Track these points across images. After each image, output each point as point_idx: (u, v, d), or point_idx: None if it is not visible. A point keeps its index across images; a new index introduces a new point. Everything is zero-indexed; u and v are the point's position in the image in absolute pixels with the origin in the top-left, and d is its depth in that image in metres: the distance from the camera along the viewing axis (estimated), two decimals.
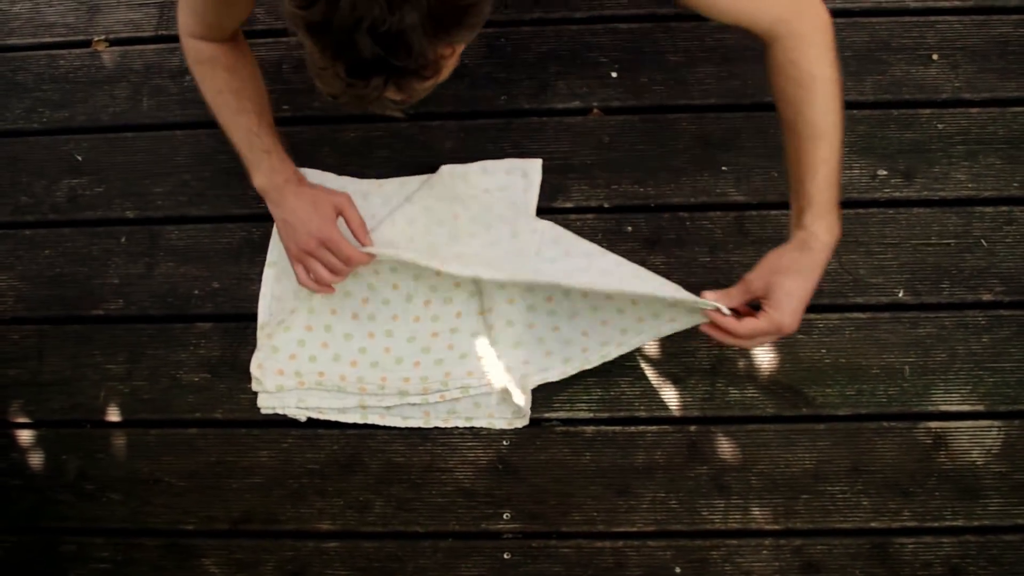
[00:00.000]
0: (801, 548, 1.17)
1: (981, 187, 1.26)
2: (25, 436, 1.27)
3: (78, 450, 1.26)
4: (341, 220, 1.14)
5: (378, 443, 1.23)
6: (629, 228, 1.27)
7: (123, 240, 1.32)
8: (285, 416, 1.23)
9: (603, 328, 1.17)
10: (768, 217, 1.26)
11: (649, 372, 1.22)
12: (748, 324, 0.98)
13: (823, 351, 1.20)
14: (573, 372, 1.19)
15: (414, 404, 1.22)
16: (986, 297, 1.22)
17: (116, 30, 1.41)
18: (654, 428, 1.21)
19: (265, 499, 1.23)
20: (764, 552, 1.17)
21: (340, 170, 1.31)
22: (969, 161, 1.26)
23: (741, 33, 1.01)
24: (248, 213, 1.30)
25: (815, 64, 0.97)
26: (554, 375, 1.20)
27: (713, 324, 1.02)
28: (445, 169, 1.28)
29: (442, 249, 1.21)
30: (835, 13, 1.30)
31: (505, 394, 1.21)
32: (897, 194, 1.26)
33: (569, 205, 1.28)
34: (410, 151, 1.31)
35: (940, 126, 1.28)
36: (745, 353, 1.21)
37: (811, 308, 1.20)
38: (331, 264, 1.12)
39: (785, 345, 1.21)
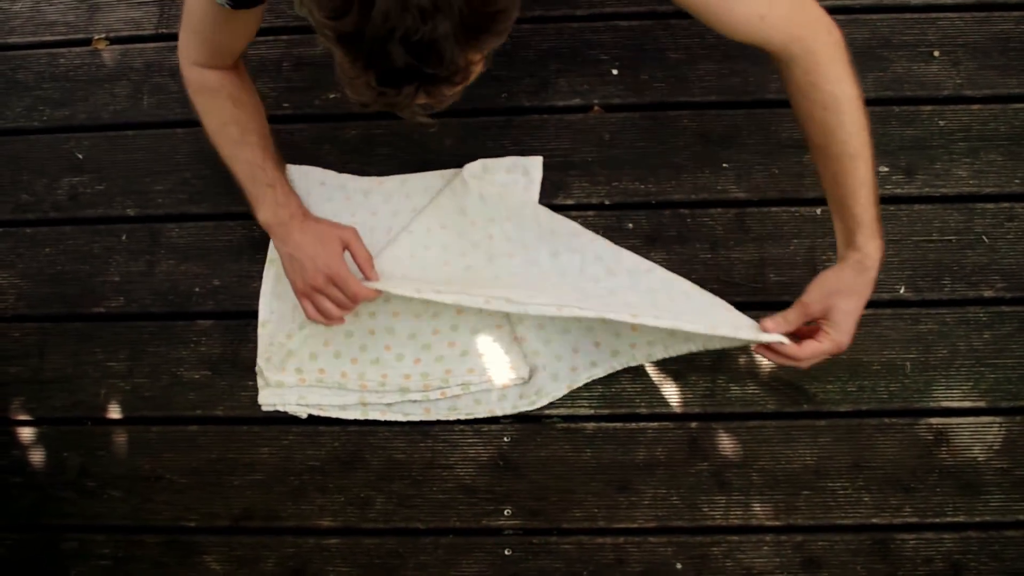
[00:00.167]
0: (802, 544, 1.17)
1: (982, 183, 1.25)
2: (26, 433, 1.28)
3: (79, 447, 1.26)
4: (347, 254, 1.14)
5: (379, 440, 1.23)
6: (630, 225, 1.27)
7: (124, 238, 1.32)
8: (286, 413, 1.23)
9: (652, 329, 1.16)
10: (769, 214, 1.26)
11: (650, 368, 1.22)
12: (810, 348, 1.00)
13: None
14: (620, 367, 1.20)
15: (415, 401, 1.22)
16: (987, 293, 1.22)
17: (116, 28, 1.41)
18: (655, 424, 1.21)
19: (266, 496, 1.23)
20: (765, 548, 1.17)
21: (341, 168, 1.31)
22: (970, 157, 1.26)
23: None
24: (249, 211, 1.29)
25: (837, 84, 0.97)
26: (600, 371, 1.21)
27: (770, 348, 1.04)
28: (448, 174, 1.29)
29: (480, 271, 1.21)
30: (836, 10, 1.31)
31: (505, 391, 1.21)
32: (898, 190, 1.26)
33: (570, 202, 1.28)
34: (411, 148, 1.31)
35: (941, 123, 1.28)
36: (745, 349, 1.21)
37: None
38: (338, 300, 1.13)
39: None
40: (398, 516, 1.21)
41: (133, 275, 1.31)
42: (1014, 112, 1.27)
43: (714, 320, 1.08)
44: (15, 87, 1.40)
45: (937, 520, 1.16)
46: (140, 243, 1.32)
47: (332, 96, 1.35)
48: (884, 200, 1.23)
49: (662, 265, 1.23)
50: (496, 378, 1.20)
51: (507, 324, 1.22)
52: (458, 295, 1.11)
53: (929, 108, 1.28)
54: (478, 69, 0.80)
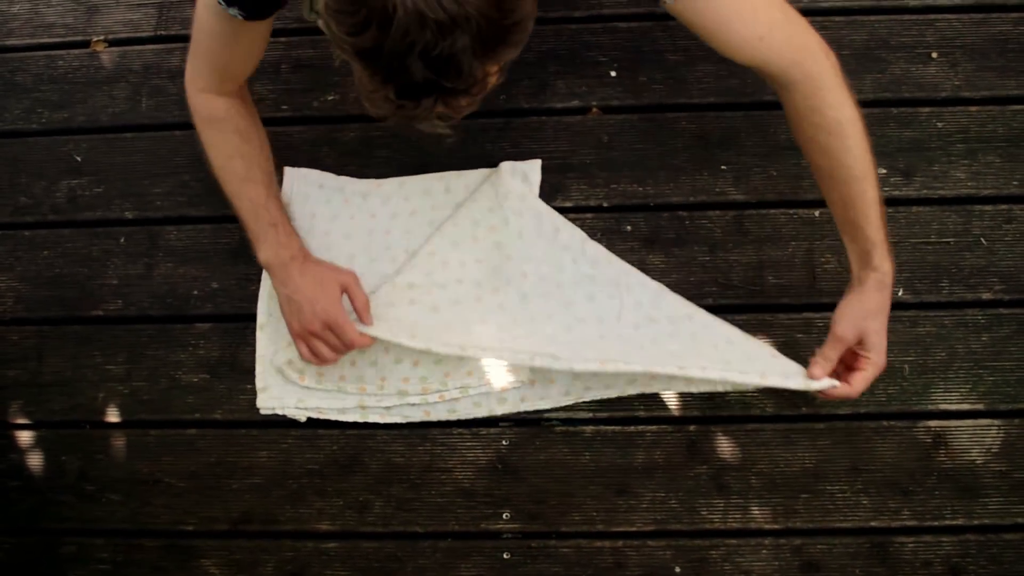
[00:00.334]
0: (801, 547, 1.17)
1: (980, 185, 1.25)
2: (25, 437, 1.28)
3: (78, 451, 1.26)
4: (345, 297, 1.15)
5: (377, 443, 1.23)
6: (628, 227, 1.27)
7: (122, 241, 1.32)
8: (284, 417, 1.23)
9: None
10: (767, 216, 1.25)
11: None
12: (861, 382, 1.04)
13: None
14: (635, 392, 1.21)
15: (414, 404, 1.22)
16: (985, 295, 1.22)
17: (115, 30, 1.41)
18: (653, 428, 1.21)
19: (265, 499, 1.23)
20: (764, 551, 1.17)
21: (339, 170, 1.31)
22: (968, 159, 1.26)
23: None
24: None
25: (839, 109, 0.98)
26: (614, 393, 1.21)
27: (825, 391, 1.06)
28: (447, 176, 1.29)
29: (514, 311, 1.20)
30: (835, 11, 1.32)
31: (504, 393, 1.21)
32: (896, 192, 1.26)
33: (568, 204, 1.28)
34: (409, 151, 1.31)
35: (939, 124, 1.28)
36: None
37: (810, 307, 1.22)
38: (333, 345, 1.14)
39: (784, 344, 1.21)
40: (397, 520, 1.21)
41: (131, 278, 1.31)
42: (1012, 114, 1.27)
43: (763, 369, 1.09)
44: (13, 89, 1.39)
45: (936, 523, 1.17)
46: (138, 246, 1.32)
47: (330, 98, 1.34)
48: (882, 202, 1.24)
49: (660, 268, 1.24)
50: (495, 381, 1.20)
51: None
52: (500, 350, 1.14)
53: (927, 110, 1.28)
54: (495, 80, 0.80)
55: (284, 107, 1.35)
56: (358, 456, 1.23)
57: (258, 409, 1.24)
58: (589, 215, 1.27)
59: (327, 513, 1.22)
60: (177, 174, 1.33)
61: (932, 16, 1.31)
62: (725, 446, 1.19)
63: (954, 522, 1.16)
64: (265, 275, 1.27)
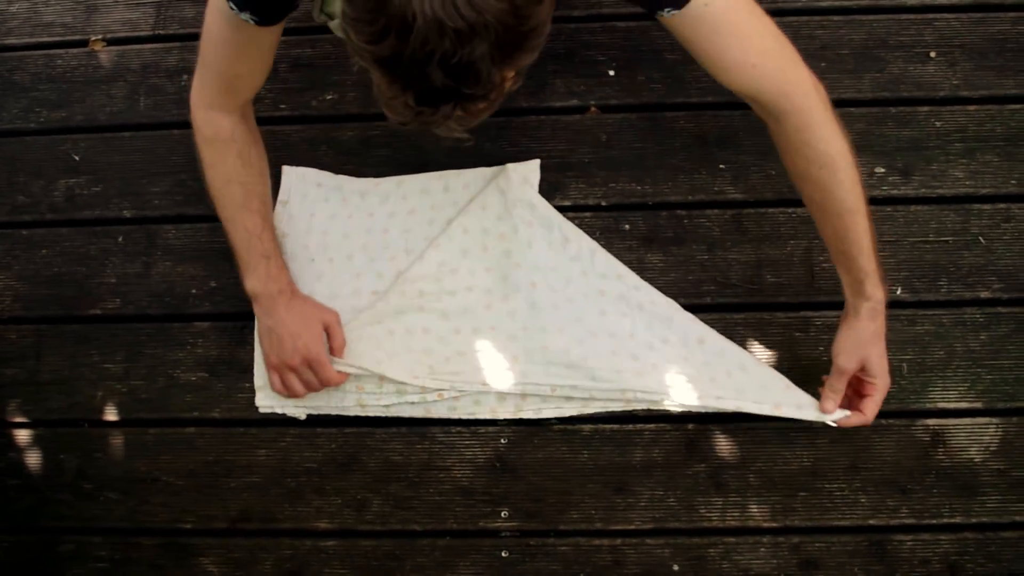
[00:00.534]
0: (799, 546, 1.17)
1: (979, 184, 1.26)
2: (23, 436, 1.27)
3: (76, 449, 1.26)
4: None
5: (376, 442, 1.23)
6: (627, 226, 1.27)
7: (120, 239, 1.32)
8: (283, 415, 1.23)
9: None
10: (765, 215, 1.25)
11: None
12: (872, 408, 1.08)
13: (820, 348, 1.20)
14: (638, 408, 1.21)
15: (413, 403, 1.22)
16: (984, 294, 1.22)
17: (113, 30, 1.41)
18: (652, 426, 1.21)
19: (263, 498, 1.23)
20: (762, 550, 1.17)
21: (337, 169, 1.31)
22: (967, 158, 1.26)
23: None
24: None
25: (829, 143, 1.00)
26: (617, 407, 1.21)
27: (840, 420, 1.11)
28: (446, 175, 1.29)
29: (524, 318, 1.21)
30: (834, 11, 1.32)
31: (505, 394, 1.20)
32: (895, 191, 1.26)
33: (567, 203, 1.28)
34: (408, 150, 1.31)
35: (938, 123, 1.28)
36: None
37: (809, 305, 1.22)
38: (309, 382, 1.16)
39: (783, 343, 1.21)
40: (395, 518, 1.21)
41: (130, 277, 1.31)
42: (1010, 113, 1.27)
43: (777, 400, 1.14)
44: (11, 88, 1.39)
45: (934, 521, 1.17)
46: (137, 245, 1.32)
47: (329, 97, 1.34)
48: (880, 201, 1.25)
49: (659, 267, 1.24)
50: (494, 383, 1.20)
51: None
52: (519, 386, 1.19)
53: (926, 109, 1.28)
54: (512, 84, 0.81)
55: (282, 106, 1.35)
56: (356, 454, 1.23)
57: (256, 407, 1.24)
58: (587, 214, 1.27)
59: (325, 511, 1.22)
60: (175, 173, 1.33)
61: (930, 15, 1.31)
62: (723, 444, 1.19)
63: (952, 520, 1.17)
64: None
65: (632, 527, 1.19)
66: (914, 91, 1.29)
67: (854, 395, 1.10)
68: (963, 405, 1.19)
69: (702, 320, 1.21)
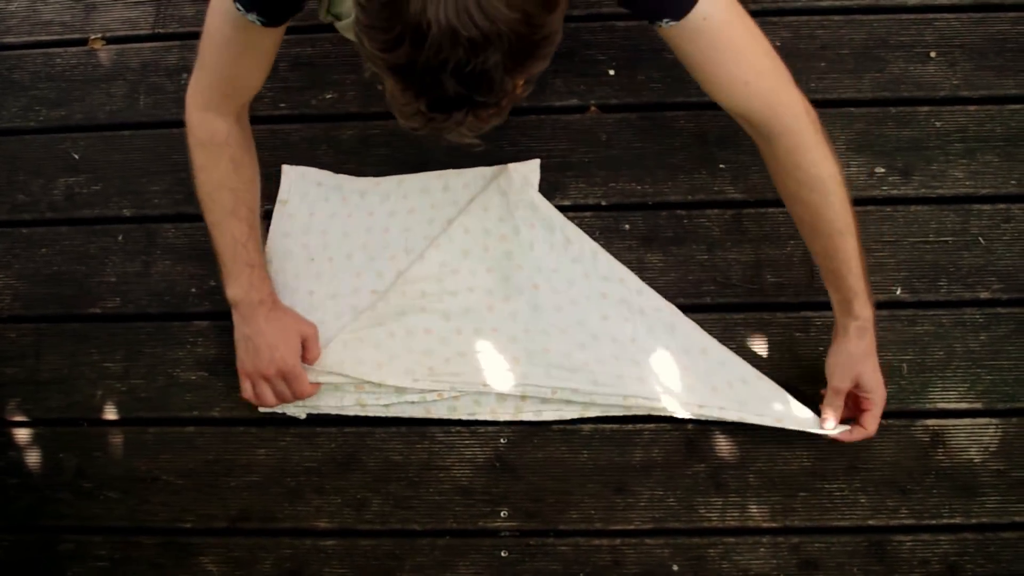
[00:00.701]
0: (799, 546, 1.17)
1: (979, 185, 1.25)
2: (22, 435, 1.27)
3: (76, 448, 1.26)
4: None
5: (376, 441, 1.23)
6: (626, 226, 1.27)
7: (120, 238, 1.32)
8: (283, 414, 1.23)
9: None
10: (766, 215, 1.25)
11: None
12: (872, 422, 1.10)
13: (820, 348, 1.19)
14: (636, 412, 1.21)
15: (413, 403, 1.22)
16: (984, 295, 1.22)
17: (112, 28, 1.41)
18: (651, 426, 1.21)
19: (263, 497, 1.23)
20: (762, 550, 1.17)
21: (337, 168, 1.31)
22: (967, 159, 1.26)
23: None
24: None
25: (820, 166, 1.02)
26: (617, 412, 1.21)
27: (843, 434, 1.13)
28: (446, 175, 1.29)
29: (525, 320, 1.21)
30: (833, 11, 1.32)
31: (505, 396, 1.20)
32: (895, 191, 1.26)
33: (567, 203, 1.28)
34: (408, 149, 1.31)
35: (938, 123, 1.28)
36: (741, 351, 1.21)
37: (808, 305, 1.22)
38: (281, 394, 1.17)
39: (782, 343, 1.21)
40: (395, 517, 1.21)
41: (129, 276, 1.31)
42: (1010, 113, 1.27)
43: (778, 413, 1.15)
44: (11, 87, 1.39)
45: (933, 522, 1.17)
46: (136, 244, 1.32)
47: (328, 96, 1.34)
48: (880, 201, 1.25)
49: (658, 267, 1.24)
50: (495, 384, 1.20)
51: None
52: (519, 388, 1.19)
53: (926, 109, 1.28)
54: (523, 91, 0.81)
55: (282, 105, 1.35)
56: (356, 454, 1.23)
57: (256, 407, 1.23)
58: (587, 214, 1.27)
59: (325, 511, 1.22)
60: (175, 172, 1.33)
61: (931, 15, 1.31)
62: (723, 444, 1.19)
63: (952, 521, 1.17)
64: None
65: (632, 527, 1.19)
66: (914, 91, 1.29)
67: (854, 409, 1.12)
68: (963, 406, 1.19)
69: (702, 320, 1.21)
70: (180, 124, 1.31)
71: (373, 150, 1.32)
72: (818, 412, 1.13)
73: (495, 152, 1.29)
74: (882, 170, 1.26)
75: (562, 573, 1.18)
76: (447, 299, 1.22)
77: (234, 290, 1.15)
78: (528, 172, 1.27)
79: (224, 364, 1.26)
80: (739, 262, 1.25)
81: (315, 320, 1.24)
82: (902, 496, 1.17)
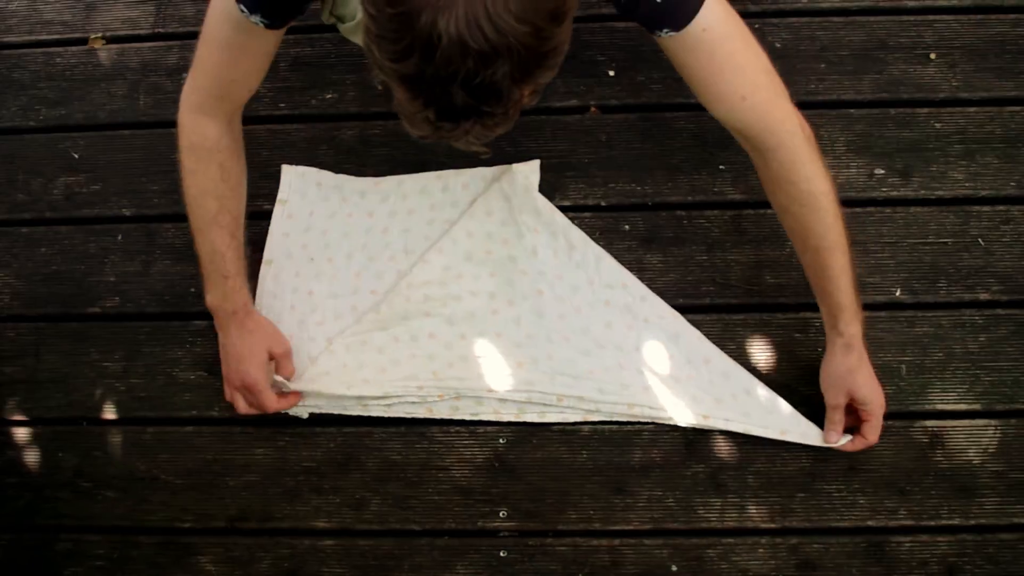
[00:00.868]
0: (797, 546, 1.17)
1: (978, 186, 1.26)
2: (21, 434, 1.27)
3: (74, 448, 1.26)
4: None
5: (375, 441, 1.23)
6: (626, 227, 1.27)
7: (120, 238, 1.32)
8: (284, 414, 1.23)
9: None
10: (765, 216, 1.25)
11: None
12: (872, 433, 1.11)
13: (820, 350, 1.19)
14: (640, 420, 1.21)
15: (414, 403, 1.22)
16: (983, 296, 1.22)
17: (113, 28, 1.41)
18: (651, 427, 1.20)
19: (261, 497, 1.23)
20: (760, 550, 1.17)
21: (337, 168, 1.31)
22: (966, 160, 1.26)
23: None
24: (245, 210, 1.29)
25: (812, 182, 1.03)
26: (621, 418, 1.21)
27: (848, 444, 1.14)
28: (445, 175, 1.29)
29: (529, 325, 1.21)
30: (833, 12, 1.32)
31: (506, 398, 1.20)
32: (894, 193, 1.26)
33: (567, 203, 1.28)
34: (407, 149, 1.31)
35: (937, 125, 1.28)
36: (740, 352, 1.21)
37: (808, 306, 1.22)
38: (251, 404, 1.18)
39: (782, 344, 1.21)
40: (394, 517, 1.21)
41: (129, 275, 1.31)
42: (1010, 115, 1.27)
43: (782, 426, 1.16)
44: (11, 86, 1.39)
45: (932, 523, 1.17)
46: (136, 243, 1.32)
47: (328, 96, 1.34)
48: (880, 202, 1.25)
49: (658, 268, 1.24)
50: (498, 388, 1.20)
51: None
52: (522, 393, 1.19)
53: (925, 110, 1.28)
54: (530, 100, 0.81)
55: (282, 105, 1.35)
56: (355, 454, 1.23)
57: None
58: (587, 214, 1.27)
59: (324, 511, 1.22)
60: (175, 172, 1.31)
61: (930, 17, 1.31)
62: (722, 445, 1.19)
63: (950, 522, 1.16)
64: (262, 273, 1.27)
65: (631, 527, 1.19)
66: (914, 93, 1.29)
67: (855, 419, 1.13)
68: (962, 407, 1.19)
69: (702, 320, 1.21)
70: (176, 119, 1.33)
71: (373, 150, 1.32)
72: (820, 414, 1.13)
73: (495, 152, 1.28)
74: (882, 171, 1.26)
75: (561, 573, 1.18)
76: (451, 303, 1.22)
77: (210, 298, 1.17)
78: (528, 173, 1.27)
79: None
80: (738, 263, 1.25)
81: (315, 320, 1.24)
82: (901, 497, 1.17)
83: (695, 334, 1.21)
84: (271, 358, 1.19)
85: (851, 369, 1.09)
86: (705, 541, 1.18)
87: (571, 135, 1.30)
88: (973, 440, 1.18)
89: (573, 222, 1.25)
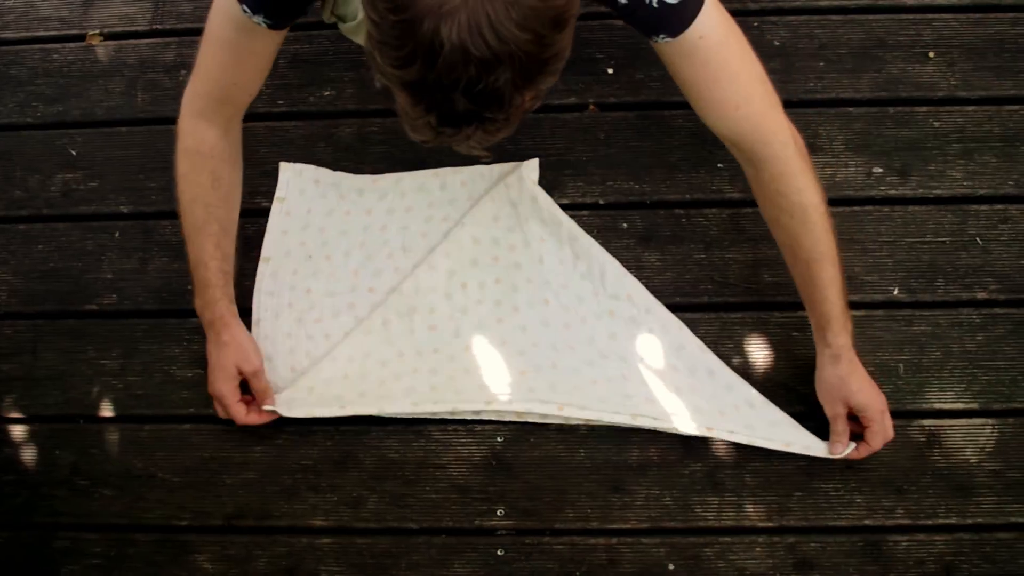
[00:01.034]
0: (795, 545, 1.17)
1: (976, 185, 1.26)
2: (18, 431, 1.27)
3: (71, 445, 1.26)
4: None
5: (372, 439, 1.23)
6: (624, 225, 1.27)
7: (117, 235, 1.32)
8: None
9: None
10: None
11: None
12: (875, 439, 1.11)
13: None
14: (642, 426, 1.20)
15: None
16: (981, 295, 1.22)
17: (110, 24, 1.41)
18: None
19: (259, 495, 1.23)
20: (758, 549, 1.17)
21: (335, 165, 1.31)
22: (964, 159, 1.26)
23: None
24: (242, 208, 1.29)
25: (802, 194, 1.04)
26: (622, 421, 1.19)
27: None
28: (443, 172, 1.29)
29: (534, 333, 1.21)
30: (832, 11, 1.32)
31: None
32: (892, 192, 1.26)
33: (565, 201, 1.28)
34: (405, 146, 1.31)
35: (936, 124, 1.28)
36: (738, 350, 1.21)
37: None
38: (223, 413, 1.19)
39: (780, 343, 1.21)
40: (391, 516, 1.21)
41: (126, 272, 1.31)
42: (1008, 114, 1.27)
43: (786, 438, 1.16)
44: (8, 83, 1.39)
45: (929, 522, 1.17)
46: (133, 240, 1.32)
47: (327, 94, 1.34)
48: (878, 201, 1.25)
49: (656, 266, 1.24)
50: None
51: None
52: (522, 402, 1.18)
53: (924, 109, 1.28)
54: (531, 105, 0.81)
55: (280, 102, 1.35)
56: (352, 452, 1.23)
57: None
58: (585, 212, 1.27)
59: (321, 509, 1.22)
60: (172, 168, 1.32)
61: (929, 15, 1.31)
62: (719, 444, 1.19)
63: (948, 521, 1.17)
64: (260, 270, 1.27)
65: (628, 526, 1.19)
66: (912, 91, 1.29)
67: (859, 425, 1.12)
68: (959, 406, 1.19)
69: (700, 319, 1.21)
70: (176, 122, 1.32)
71: (371, 147, 1.32)
72: (818, 411, 1.13)
73: (494, 150, 1.27)
74: (880, 170, 1.26)
75: (558, 572, 1.18)
76: (458, 316, 1.22)
77: (196, 303, 1.18)
78: (527, 172, 1.27)
79: None
80: (737, 261, 1.25)
81: (312, 318, 1.24)
82: (898, 496, 1.17)
83: (698, 344, 1.20)
84: (239, 374, 1.17)
85: (842, 378, 1.09)
86: (702, 540, 1.18)
87: (569, 133, 1.30)
88: (970, 439, 1.18)
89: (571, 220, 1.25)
